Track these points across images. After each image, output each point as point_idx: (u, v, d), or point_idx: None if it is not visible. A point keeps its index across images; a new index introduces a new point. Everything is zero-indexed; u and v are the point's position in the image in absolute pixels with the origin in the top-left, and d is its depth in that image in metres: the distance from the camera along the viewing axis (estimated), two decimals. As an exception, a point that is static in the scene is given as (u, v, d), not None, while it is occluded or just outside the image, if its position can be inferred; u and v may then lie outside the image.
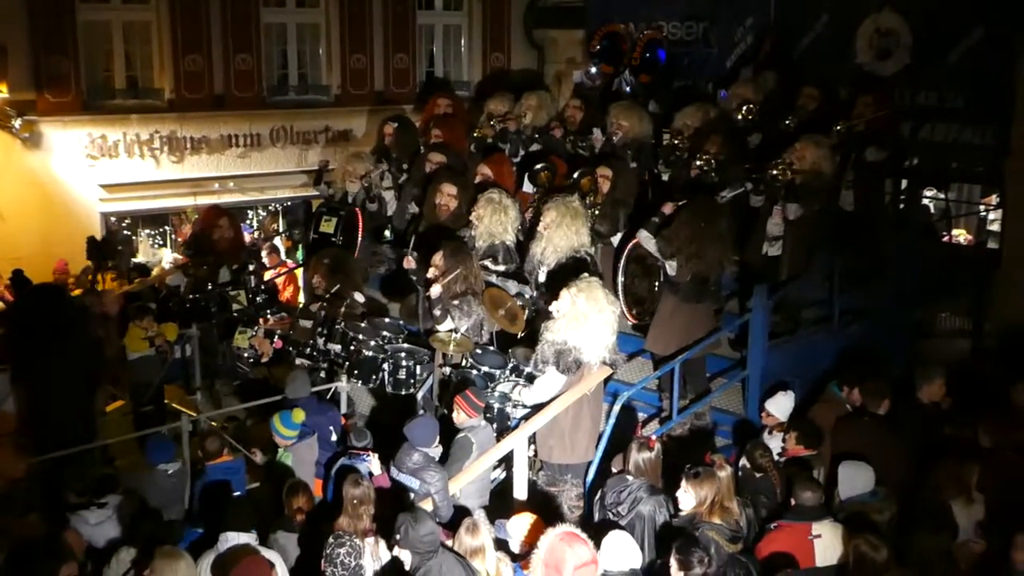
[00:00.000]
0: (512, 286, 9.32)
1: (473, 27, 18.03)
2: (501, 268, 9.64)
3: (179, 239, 16.22)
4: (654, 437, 7.29)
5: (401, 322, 10.18)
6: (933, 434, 7.99)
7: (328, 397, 9.50)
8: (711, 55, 14.74)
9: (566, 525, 5.88)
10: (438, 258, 8.91)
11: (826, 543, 6.54)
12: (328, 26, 16.72)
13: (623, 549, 5.97)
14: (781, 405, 8.31)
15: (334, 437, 8.49)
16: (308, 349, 9.75)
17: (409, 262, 9.41)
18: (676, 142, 11.05)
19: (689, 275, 8.95)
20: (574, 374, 7.94)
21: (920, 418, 8.21)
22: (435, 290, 8.83)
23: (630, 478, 6.88)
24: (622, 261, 9.57)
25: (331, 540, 6.36)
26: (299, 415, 8.16)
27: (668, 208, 9.16)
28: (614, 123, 11.34)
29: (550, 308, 8.03)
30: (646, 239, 9.13)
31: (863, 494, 7.06)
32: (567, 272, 8.62)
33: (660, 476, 7.04)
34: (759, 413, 8.63)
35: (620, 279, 9.50)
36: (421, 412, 8.85)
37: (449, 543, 6.29)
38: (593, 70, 13.98)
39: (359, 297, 10.15)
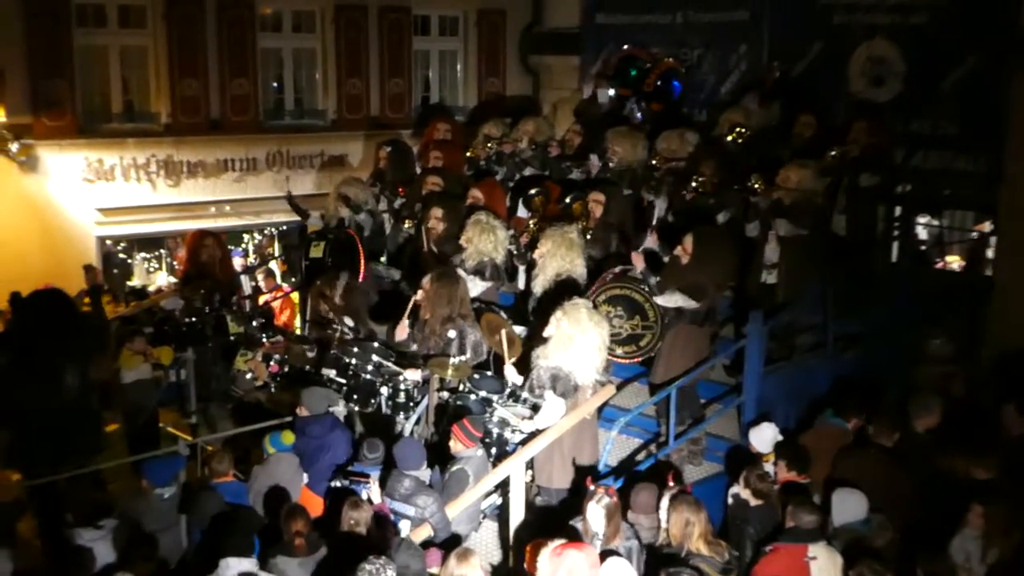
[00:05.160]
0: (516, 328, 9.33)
1: (469, 53, 18.12)
2: (488, 284, 9.71)
3: (175, 263, 16.22)
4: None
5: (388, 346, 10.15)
6: (928, 465, 7.94)
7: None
8: (706, 82, 14.83)
9: (557, 540, 5.89)
10: (426, 281, 8.98)
11: (821, 565, 6.54)
12: (324, 51, 16.79)
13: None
14: (764, 437, 8.24)
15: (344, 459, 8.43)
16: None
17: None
18: (654, 162, 11.12)
19: (710, 305, 8.92)
20: (571, 398, 7.93)
21: (918, 448, 8.14)
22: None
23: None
24: (595, 294, 9.24)
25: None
26: (288, 437, 8.22)
27: (637, 260, 9.05)
28: (610, 148, 11.42)
29: (543, 334, 8.03)
30: (666, 300, 8.87)
31: (856, 521, 7.08)
32: (556, 296, 8.62)
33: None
34: (749, 441, 8.60)
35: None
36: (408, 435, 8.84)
37: (435, 570, 6.28)
38: (612, 92, 13.91)
39: (348, 321, 10.15)
